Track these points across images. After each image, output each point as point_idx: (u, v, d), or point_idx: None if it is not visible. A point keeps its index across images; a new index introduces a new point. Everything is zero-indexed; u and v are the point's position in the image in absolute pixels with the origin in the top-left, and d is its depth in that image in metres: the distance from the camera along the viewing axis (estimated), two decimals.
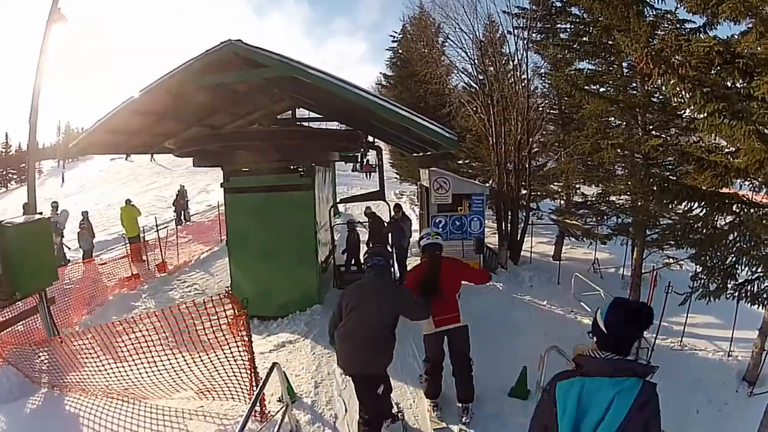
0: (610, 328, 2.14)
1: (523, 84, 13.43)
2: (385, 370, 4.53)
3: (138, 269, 12.22)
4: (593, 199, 11.51)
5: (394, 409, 5.13)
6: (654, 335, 8.37)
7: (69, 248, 14.43)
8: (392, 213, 10.73)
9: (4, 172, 42.73)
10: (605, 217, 10.80)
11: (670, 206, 8.72)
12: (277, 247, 8.70)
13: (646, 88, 9.93)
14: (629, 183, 10.42)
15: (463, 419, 5.07)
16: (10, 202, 34.82)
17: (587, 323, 7.81)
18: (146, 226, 14.96)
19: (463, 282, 5.10)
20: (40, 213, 6.91)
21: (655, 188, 8.36)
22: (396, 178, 28.32)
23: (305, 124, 11.82)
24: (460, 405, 5.15)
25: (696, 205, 7.36)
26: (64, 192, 35.83)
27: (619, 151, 10.06)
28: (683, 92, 6.70)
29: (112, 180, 39.11)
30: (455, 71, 15.96)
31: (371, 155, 15.69)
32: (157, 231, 13.31)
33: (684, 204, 7.48)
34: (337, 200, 14.16)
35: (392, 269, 6.82)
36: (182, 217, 20.41)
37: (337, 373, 6.11)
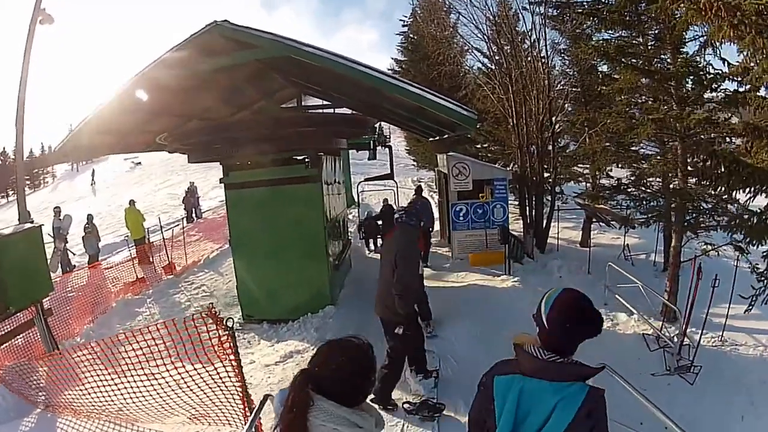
0: (552, 329, 1.85)
1: (542, 61, 12.58)
2: (400, 316, 4.87)
3: (144, 272, 11.77)
4: (629, 181, 10.52)
5: (429, 366, 5.66)
6: (699, 332, 7.54)
7: (74, 254, 13.98)
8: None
9: (14, 179, 42.80)
10: (644, 202, 9.82)
11: (734, 192, 7.71)
12: (284, 244, 8.08)
13: (678, 59, 9.00)
14: (668, 163, 9.43)
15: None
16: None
17: (623, 317, 7.05)
18: (156, 225, 14.46)
19: None
20: (32, 221, 6.83)
21: (721, 171, 7.37)
22: (413, 165, 27.85)
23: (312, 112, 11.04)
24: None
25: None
26: (78, 194, 35.73)
27: (656, 128, 9.05)
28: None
29: (125, 180, 38.95)
30: (469, 51, 15.12)
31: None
32: (162, 231, 12.76)
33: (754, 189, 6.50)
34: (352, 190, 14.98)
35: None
36: (193, 215, 20.00)
37: None
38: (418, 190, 11.46)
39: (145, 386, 4.37)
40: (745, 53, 6.96)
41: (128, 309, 9.92)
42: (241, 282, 8.47)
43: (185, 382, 4.16)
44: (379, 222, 12.32)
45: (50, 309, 7.00)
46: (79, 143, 8.01)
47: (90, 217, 13.99)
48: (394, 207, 12.35)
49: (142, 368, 4.30)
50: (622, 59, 9.24)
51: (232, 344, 3.75)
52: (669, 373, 6.92)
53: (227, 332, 3.70)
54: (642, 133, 9.04)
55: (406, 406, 5.18)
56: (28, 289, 5.94)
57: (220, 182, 8.34)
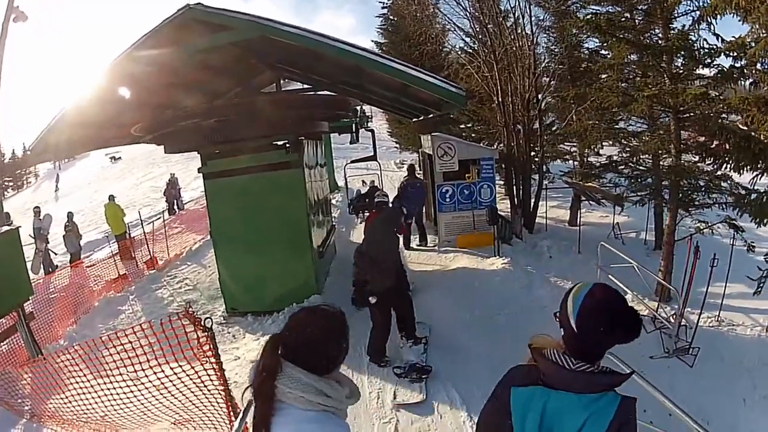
0: (583, 332, 1.60)
1: (527, 38, 12.42)
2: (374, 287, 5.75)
3: (126, 268, 11.46)
4: (621, 158, 10.35)
5: (419, 334, 6.24)
6: (698, 313, 7.45)
7: (56, 253, 13.60)
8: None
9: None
10: (639, 180, 9.68)
11: (741, 170, 7.58)
12: (266, 233, 7.81)
13: (669, 34, 8.81)
14: (662, 139, 9.26)
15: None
16: (7, 208, 34.08)
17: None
18: (137, 220, 14.09)
19: None
20: (10, 224, 6.74)
21: (727, 146, 7.21)
22: (396, 147, 27.62)
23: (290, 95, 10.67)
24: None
25: None
26: (60, 194, 34.99)
27: (650, 104, 8.85)
28: None
29: (107, 176, 38.21)
30: (452, 30, 14.79)
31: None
32: (142, 226, 12.43)
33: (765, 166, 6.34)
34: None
35: (390, 205, 7.49)
36: (175, 207, 19.64)
37: None
38: (411, 170, 11.12)
39: (124, 392, 4.13)
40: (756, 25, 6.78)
41: (111, 307, 9.59)
42: (223, 274, 8.19)
43: (165, 387, 3.92)
44: (367, 200, 13.13)
45: (32, 313, 6.87)
46: (52, 140, 7.66)
47: (70, 215, 13.61)
48: (379, 188, 12.23)
49: (120, 373, 4.05)
50: (615, 33, 9.04)
51: (211, 345, 3.50)
52: (668, 356, 6.79)
53: (206, 333, 3.45)
54: (636, 109, 8.86)
55: (396, 370, 5.74)
56: (8, 295, 5.78)
57: (199, 172, 8.04)
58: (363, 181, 16.17)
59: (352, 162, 12.52)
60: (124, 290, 10.40)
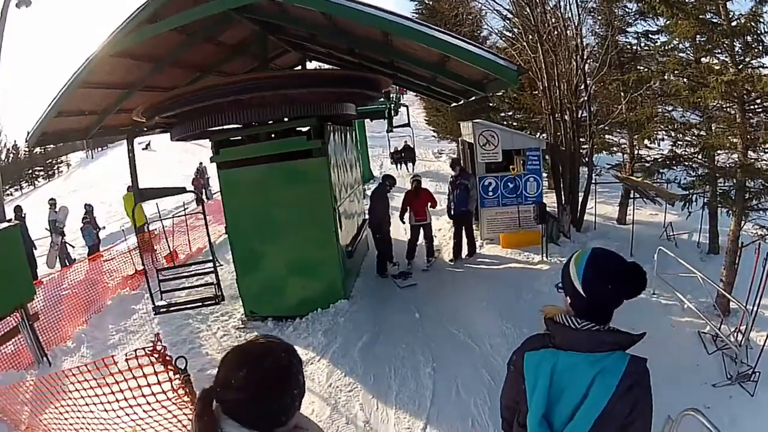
0: (591, 293, 1.67)
1: (572, 20, 11.37)
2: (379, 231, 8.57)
3: (146, 262, 10.85)
4: (687, 153, 9.20)
5: (396, 260, 8.79)
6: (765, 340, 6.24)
7: (73, 246, 13.13)
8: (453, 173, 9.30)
9: (30, 171, 42.94)
10: (714, 179, 8.60)
11: None
12: (287, 230, 7.11)
13: (729, 14, 7.85)
14: (733, 133, 8.16)
15: (427, 265, 8.94)
16: (36, 198, 34.48)
17: (677, 311, 5.46)
18: (163, 210, 13.50)
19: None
20: (9, 220, 6.69)
21: None
22: (434, 136, 27.02)
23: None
24: (426, 258, 8.97)
25: None
26: (90, 182, 35.03)
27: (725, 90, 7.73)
28: None
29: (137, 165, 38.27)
30: (491, 9, 13.74)
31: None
32: (161, 220, 11.80)
33: None
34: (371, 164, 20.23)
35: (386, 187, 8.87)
36: (204, 196, 19.21)
37: (359, 418, 4.52)
38: (455, 165, 9.54)
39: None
40: None
41: (123, 306, 9.06)
42: (241, 275, 7.50)
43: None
44: (403, 154, 20.75)
45: (36, 314, 6.65)
46: (51, 127, 7.16)
47: (88, 207, 13.15)
48: (411, 145, 20.54)
49: (91, 411, 3.26)
50: (682, 8, 7.99)
51: (188, 390, 2.63)
52: (730, 383, 5.73)
53: (180, 376, 2.58)
54: (708, 95, 7.73)
55: (393, 279, 8.53)
56: (7, 295, 5.64)
57: (211, 161, 7.27)
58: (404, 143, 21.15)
59: (392, 128, 16.30)
60: (141, 287, 9.76)
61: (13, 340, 6.28)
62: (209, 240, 8.05)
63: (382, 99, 10.76)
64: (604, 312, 1.68)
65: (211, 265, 7.38)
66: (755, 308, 6.18)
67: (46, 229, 12.37)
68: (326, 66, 10.65)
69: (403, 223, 9.25)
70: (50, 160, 43.89)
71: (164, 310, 7.23)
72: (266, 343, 1.37)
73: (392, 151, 20.56)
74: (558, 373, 1.64)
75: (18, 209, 11.63)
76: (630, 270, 1.68)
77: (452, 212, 8.98)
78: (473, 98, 9.29)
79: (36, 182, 42.74)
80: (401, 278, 8.42)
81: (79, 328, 8.18)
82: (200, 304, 7.23)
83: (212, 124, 6.43)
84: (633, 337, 1.65)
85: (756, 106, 8.15)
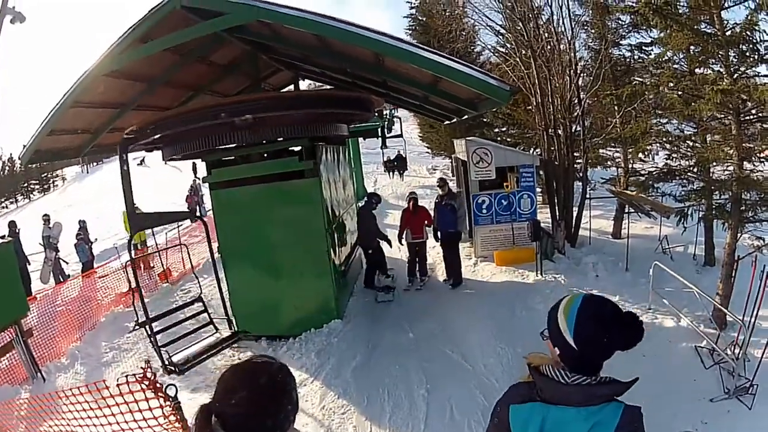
0: (584, 345, 1.56)
1: (564, 34, 11.43)
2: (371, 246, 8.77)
3: (141, 279, 10.81)
4: (684, 167, 9.21)
5: (390, 271, 8.88)
6: (765, 345, 6.20)
7: (67, 262, 13.05)
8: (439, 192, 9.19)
9: (26, 184, 43.12)
10: (709, 192, 8.59)
11: None
12: (280, 250, 7.11)
13: (722, 24, 7.85)
14: (728, 145, 8.17)
15: (421, 284, 8.93)
16: (32, 211, 34.43)
17: (671, 324, 5.37)
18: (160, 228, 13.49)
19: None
20: (2, 236, 6.96)
21: None
22: (428, 152, 27.04)
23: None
24: (420, 277, 8.99)
25: None
26: (84, 198, 35.05)
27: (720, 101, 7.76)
28: None
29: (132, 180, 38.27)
30: (483, 27, 13.85)
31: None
32: (154, 236, 11.78)
33: None
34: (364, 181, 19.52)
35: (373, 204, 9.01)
36: (199, 213, 19.08)
37: None
38: (442, 184, 9.39)
39: None
40: None
41: (118, 324, 8.96)
42: (233, 294, 7.46)
43: None
44: (395, 163, 22.44)
45: (30, 330, 6.68)
46: (44, 145, 7.22)
47: (82, 223, 13.10)
48: (404, 155, 21.99)
49: None
50: (676, 18, 8.03)
51: (179, 417, 2.61)
52: (727, 397, 5.71)
53: (171, 403, 2.56)
54: (703, 107, 7.75)
55: (376, 290, 8.68)
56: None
57: (203, 181, 7.27)
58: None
59: (386, 138, 16.93)
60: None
61: (8, 355, 6.27)
62: (214, 265, 7.83)
63: (375, 116, 10.78)
64: (598, 363, 1.61)
65: (201, 304, 7.39)
66: (752, 321, 6.18)
67: (40, 244, 12.32)
68: (319, 85, 10.70)
69: (402, 244, 9.12)
70: (45, 174, 43.99)
71: (186, 367, 6.28)
72: (262, 362, 1.44)
73: (385, 159, 22.10)
74: (548, 429, 1.57)
75: (12, 224, 11.59)
76: (628, 320, 1.59)
77: (438, 235, 8.74)
78: (465, 117, 9.32)
79: (31, 195, 42.78)
80: (384, 291, 8.53)
81: (72, 345, 8.12)
82: (221, 347, 6.86)
83: (203, 147, 6.42)
84: (627, 386, 1.58)
85: (752, 117, 8.16)
